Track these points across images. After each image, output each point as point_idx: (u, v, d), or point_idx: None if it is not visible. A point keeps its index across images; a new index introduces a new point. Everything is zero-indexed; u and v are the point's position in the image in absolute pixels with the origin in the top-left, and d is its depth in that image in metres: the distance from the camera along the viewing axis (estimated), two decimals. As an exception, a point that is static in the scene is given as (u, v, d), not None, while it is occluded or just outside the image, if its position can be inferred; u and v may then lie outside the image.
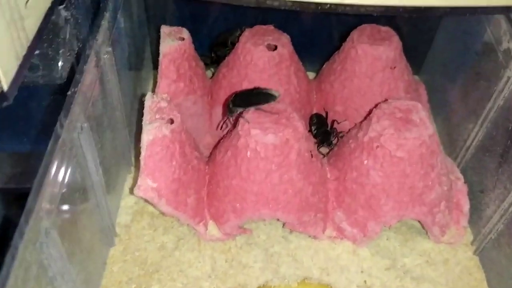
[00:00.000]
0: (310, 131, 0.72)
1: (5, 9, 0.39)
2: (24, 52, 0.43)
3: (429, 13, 0.51)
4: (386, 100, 0.63)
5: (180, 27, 0.68)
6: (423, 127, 0.58)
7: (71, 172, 0.46)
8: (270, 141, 0.56)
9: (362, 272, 0.62)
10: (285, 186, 0.58)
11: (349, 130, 0.68)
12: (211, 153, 0.68)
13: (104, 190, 0.56)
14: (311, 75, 0.84)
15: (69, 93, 0.46)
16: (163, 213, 0.61)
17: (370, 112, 0.63)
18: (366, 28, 0.70)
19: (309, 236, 0.64)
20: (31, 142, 0.72)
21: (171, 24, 0.79)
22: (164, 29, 0.68)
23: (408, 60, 0.72)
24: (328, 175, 0.65)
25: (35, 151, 0.73)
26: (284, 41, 0.68)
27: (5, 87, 0.40)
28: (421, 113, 0.59)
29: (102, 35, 0.53)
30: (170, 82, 0.66)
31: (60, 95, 0.57)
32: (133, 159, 0.70)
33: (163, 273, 0.60)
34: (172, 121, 0.57)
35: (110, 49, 0.55)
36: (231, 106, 0.61)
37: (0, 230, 0.70)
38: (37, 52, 0.50)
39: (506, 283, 0.58)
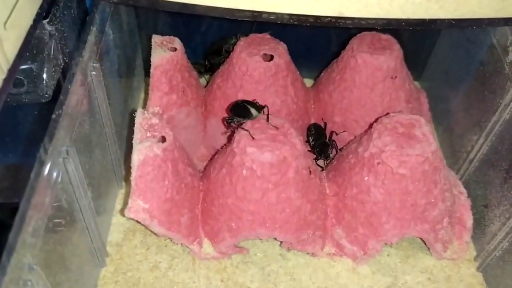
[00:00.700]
0: (307, 141, 0.69)
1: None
2: (4, 76, 0.40)
3: (433, 25, 0.49)
4: (387, 113, 0.61)
5: (172, 37, 0.66)
6: (426, 143, 0.56)
7: (57, 200, 0.44)
8: (267, 159, 0.54)
9: (362, 291, 0.60)
10: (283, 205, 0.56)
11: (349, 142, 0.66)
12: (205, 168, 0.65)
13: (93, 212, 0.53)
14: (308, 82, 0.81)
15: (53, 116, 0.43)
16: (155, 234, 0.59)
17: (371, 125, 0.61)
18: (366, 36, 0.67)
19: (308, 254, 0.62)
20: (18, 154, 0.70)
21: (163, 30, 0.76)
22: (156, 39, 0.65)
23: (408, 66, 0.69)
24: (327, 191, 0.63)
25: (22, 164, 0.71)
26: (280, 50, 0.66)
27: (-17, 115, 0.37)
28: (424, 128, 0.57)
29: (88, 51, 0.50)
30: (162, 95, 0.63)
31: (48, 105, 0.54)
32: (124, 173, 0.68)
33: (156, 294, 0.58)
34: (164, 139, 0.55)
35: (97, 65, 0.52)
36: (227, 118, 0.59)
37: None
38: (21, 67, 0.48)
39: (512, 303, 0.56)
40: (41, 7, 0.47)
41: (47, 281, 0.41)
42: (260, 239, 0.63)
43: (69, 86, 0.46)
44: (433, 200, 0.57)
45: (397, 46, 0.66)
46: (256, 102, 0.59)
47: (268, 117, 0.57)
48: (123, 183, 0.68)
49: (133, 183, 0.53)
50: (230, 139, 0.60)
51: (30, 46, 0.48)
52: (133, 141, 0.54)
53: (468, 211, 0.63)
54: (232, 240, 0.58)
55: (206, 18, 0.75)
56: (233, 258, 0.61)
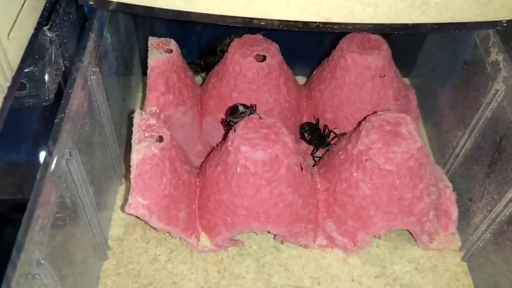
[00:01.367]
0: (303, 138, 0.72)
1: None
2: (8, 84, 0.43)
3: (417, 30, 0.51)
4: (376, 111, 0.63)
5: (168, 39, 0.68)
6: (412, 140, 0.58)
7: (61, 199, 0.46)
8: (260, 157, 0.57)
9: (352, 280, 0.63)
10: (275, 201, 0.59)
11: (339, 139, 0.69)
12: (201, 165, 0.68)
13: (95, 208, 0.56)
14: (301, 79, 0.84)
15: (56, 120, 0.46)
16: (155, 228, 0.61)
17: (359, 123, 0.63)
18: (356, 36, 0.69)
19: (300, 246, 0.65)
20: (20, 152, 0.72)
21: (160, 31, 0.79)
22: (152, 41, 0.67)
23: (398, 63, 0.72)
24: (319, 186, 0.65)
25: (24, 161, 0.73)
26: (273, 51, 0.68)
27: (-9, 122, 0.39)
28: (410, 126, 0.60)
29: (88, 56, 0.53)
30: (159, 95, 0.66)
31: (49, 105, 0.57)
32: (123, 169, 0.71)
33: (156, 286, 0.61)
34: (161, 139, 0.57)
35: (96, 69, 0.54)
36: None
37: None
38: (24, 72, 0.50)
39: (493, 290, 0.59)
40: (41, 15, 0.50)
41: (54, 274, 0.44)
42: (255, 232, 0.65)
43: (70, 91, 0.48)
44: (419, 194, 0.60)
45: (385, 46, 0.69)
46: (253, 105, 0.63)
47: (259, 116, 0.60)
48: (123, 179, 0.71)
49: (132, 181, 0.56)
50: (225, 137, 0.63)
51: (32, 52, 0.50)
52: (132, 141, 0.56)
53: (453, 204, 0.66)
54: (227, 234, 0.61)
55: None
56: (229, 251, 0.64)
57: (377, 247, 0.66)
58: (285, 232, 0.61)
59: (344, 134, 0.68)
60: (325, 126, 0.73)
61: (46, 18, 0.52)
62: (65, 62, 0.56)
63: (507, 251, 0.56)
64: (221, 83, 0.70)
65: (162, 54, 0.66)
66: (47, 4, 0.51)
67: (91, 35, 0.54)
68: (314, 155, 0.71)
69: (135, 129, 0.57)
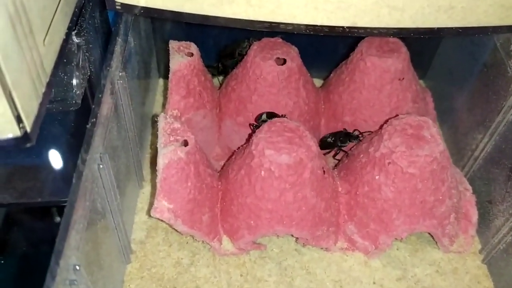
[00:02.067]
0: (325, 147, 0.72)
1: (25, 51, 0.39)
2: (43, 90, 0.43)
3: (441, 34, 0.52)
4: (396, 114, 0.64)
5: (188, 42, 0.68)
6: (435, 143, 0.59)
7: (93, 204, 0.47)
8: (284, 161, 0.57)
9: (374, 283, 0.63)
10: (299, 204, 0.59)
11: (359, 142, 0.69)
12: (222, 168, 0.68)
13: (121, 212, 0.56)
14: (317, 81, 0.84)
15: (88, 126, 0.46)
16: (177, 231, 0.62)
17: (381, 126, 0.64)
18: (375, 39, 0.70)
19: (322, 249, 0.65)
20: (40, 155, 0.72)
21: (176, 32, 0.79)
22: (173, 44, 0.68)
23: (414, 65, 0.72)
24: (340, 189, 0.66)
25: (46, 164, 0.73)
26: (292, 54, 0.69)
27: (28, 129, 0.40)
28: (432, 129, 0.60)
29: (115, 61, 0.53)
30: (180, 98, 0.66)
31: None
32: (144, 173, 0.71)
33: (179, 289, 0.61)
34: (186, 143, 0.58)
35: (123, 73, 0.55)
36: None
37: (14, 246, 0.71)
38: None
39: (515, 292, 0.59)
40: (71, 21, 0.50)
41: (88, 279, 0.44)
42: (276, 235, 0.66)
43: (101, 96, 0.49)
44: (440, 197, 0.60)
45: (404, 49, 0.69)
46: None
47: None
48: (144, 183, 0.71)
49: (158, 185, 0.56)
50: (248, 140, 0.63)
51: (61, 58, 0.51)
52: (158, 145, 0.57)
53: (473, 206, 0.66)
54: (250, 237, 0.62)
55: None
56: (251, 254, 0.65)
57: (397, 249, 0.67)
58: (307, 235, 0.61)
59: (370, 132, 0.68)
60: (344, 129, 0.73)
61: (75, 23, 0.52)
62: (91, 68, 0.56)
63: (531, 254, 0.56)
64: (240, 86, 0.70)
65: (183, 57, 0.66)
66: (76, 9, 0.51)
67: (117, 39, 0.54)
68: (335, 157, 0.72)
69: (160, 133, 0.58)
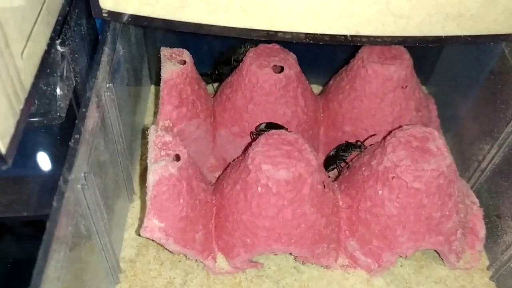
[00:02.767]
0: (329, 165, 0.69)
1: (0, 67, 0.36)
2: (21, 106, 0.39)
3: (450, 42, 0.48)
4: (399, 125, 0.61)
5: (181, 49, 0.65)
6: (441, 157, 0.56)
7: (76, 227, 0.43)
8: (283, 176, 0.54)
9: (377, 302, 0.60)
10: (298, 221, 0.56)
11: (360, 153, 0.66)
12: (217, 181, 0.65)
13: (108, 231, 0.53)
14: (316, 88, 0.81)
15: (71, 143, 0.43)
16: (170, 251, 0.58)
17: (384, 137, 0.61)
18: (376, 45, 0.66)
19: (322, 266, 0.62)
20: (29, 167, 0.69)
21: (169, 38, 0.75)
22: (165, 52, 0.64)
23: (415, 69, 0.68)
24: (340, 203, 0.63)
25: (33, 176, 0.70)
26: (290, 61, 0.65)
27: (3, 150, 0.36)
28: (438, 141, 0.57)
29: (102, 72, 0.50)
30: (173, 108, 0.63)
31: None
32: (134, 187, 0.67)
33: (171, 311, 0.58)
34: (178, 157, 0.54)
35: (110, 84, 0.51)
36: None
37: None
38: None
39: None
40: (54, 30, 0.47)
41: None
42: (274, 253, 0.62)
43: (85, 111, 0.45)
44: (447, 213, 0.57)
45: (407, 56, 0.66)
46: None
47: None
48: (134, 196, 0.68)
49: (148, 202, 0.53)
50: (243, 153, 0.60)
51: (44, 68, 0.47)
52: (148, 161, 0.53)
53: (480, 220, 0.63)
54: (246, 256, 0.58)
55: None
56: (247, 272, 0.61)
57: (401, 266, 0.63)
58: (307, 253, 0.58)
59: (374, 134, 0.65)
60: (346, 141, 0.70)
61: (58, 32, 0.48)
62: (76, 78, 0.52)
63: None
64: (236, 94, 0.67)
65: (175, 65, 0.63)
66: (59, 18, 0.47)
67: (104, 49, 0.51)
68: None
69: (150, 147, 0.54)
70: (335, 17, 0.46)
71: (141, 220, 0.53)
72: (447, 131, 0.76)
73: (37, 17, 0.42)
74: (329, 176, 0.68)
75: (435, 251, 0.63)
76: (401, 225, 0.57)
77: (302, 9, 0.46)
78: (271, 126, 0.63)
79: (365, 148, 0.65)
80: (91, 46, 0.58)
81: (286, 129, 0.61)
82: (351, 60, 0.69)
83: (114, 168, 0.58)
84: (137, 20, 0.51)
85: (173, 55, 0.64)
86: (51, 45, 0.46)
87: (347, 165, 0.66)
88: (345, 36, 0.48)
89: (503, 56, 0.61)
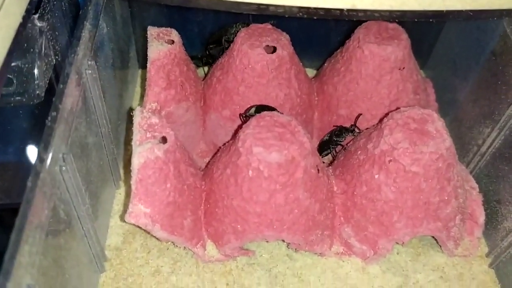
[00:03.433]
0: (323, 150, 0.66)
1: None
2: (-8, 81, 0.37)
3: (451, 17, 0.46)
4: (397, 107, 0.58)
5: (169, 29, 0.62)
6: (440, 139, 0.53)
7: (54, 212, 0.41)
8: (275, 159, 0.51)
9: (373, 291, 0.58)
10: (291, 206, 0.53)
11: (356, 137, 0.63)
12: (207, 166, 0.63)
13: (91, 217, 0.50)
14: (310, 72, 0.79)
15: (47, 122, 0.40)
16: (157, 238, 0.56)
17: (381, 120, 0.58)
18: (373, 25, 0.64)
19: (315, 254, 0.60)
20: (10, 153, 0.67)
21: (158, 19, 0.73)
22: (151, 31, 0.62)
23: (413, 53, 0.66)
24: (335, 188, 0.60)
25: (15, 162, 0.67)
26: (283, 42, 0.63)
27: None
28: (437, 123, 0.55)
29: (82, 48, 0.47)
30: (160, 90, 0.60)
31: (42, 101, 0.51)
32: (121, 172, 0.65)
33: (159, 300, 0.56)
34: (165, 140, 0.52)
35: (92, 62, 0.48)
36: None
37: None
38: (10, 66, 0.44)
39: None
40: (30, 2, 0.44)
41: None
42: (266, 240, 0.60)
43: (64, 88, 0.42)
44: (446, 198, 0.55)
45: (405, 36, 0.63)
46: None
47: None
48: (120, 182, 0.65)
49: (133, 187, 0.50)
50: (234, 136, 0.57)
51: (20, 44, 0.44)
52: (133, 143, 0.51)
53: (480, 206, 0.61)
54: (237, 243, 0.56)
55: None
56: (238, 260, 0.59)
57: (398, 254, 0.61)
58: (300, 240, 0.56)
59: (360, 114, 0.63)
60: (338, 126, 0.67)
61: (35, 5, 0.45)
62: (56, 55, 0.50)
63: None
64: (226, 76, 0.64)
65: (163, 45, 0.60)
66: (36, -11, 0.45)
67: (85, 24, 0.48)
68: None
69: (135, 129, 0.52)
70: (329, -11, 0.43)
71: (127, 206, 0.50)
72: (445, 115, 0.73)
73: (10, -14, 0.39)
74: (323, 162, 0.65)
75: (433, 237, 0.61)
76: (398, 210, 0.55)
77: (294, -21, 0.43)
78: (261, 108, 0.60)
79: (360, 132, 0.63)
80: (73, 23, 0.55)
81: (278, 111, 0.58)
82: (347, 41, 0.66)
83: (98, 151, 0.55)
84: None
85: (161, 34, 0.61)
86: (27, 18, 0.43)
87: (343, 148, 0.63)
88: (341, 10, 0.45)
89: (504, 35, 0.58)
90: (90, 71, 0.48)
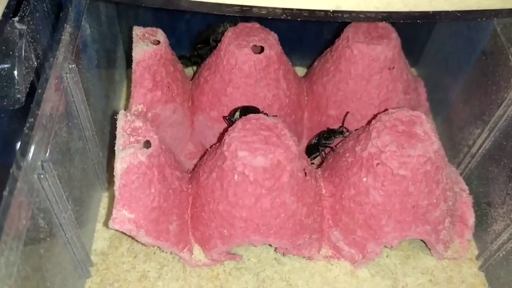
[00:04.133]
0: (312, 153, 0.65)
1: None
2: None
3: (438, 18, 0.45)
4: (385, 108, 0.57)
5: (154, 28, 0.61)
6: (429, 142, 0.52)
7: (33, 222, 0.40)
8: (260, 163, 0.50)
9: (361, 295, 0.57)
10: (277, 211, 0.53)
11: (344, 138, 0.63)
12: (193, 169, 0.62)
13: (74, 224, 0.50)
14: (300, 70, 0.78)
15: (25, 129, 0.39)
16: (143, 244, 0.55)
17: (369, 121, 0.57)
18: (362, 24, 0.63)
19: (304, 257, 0.59)
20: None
21: (145, 19, 0.72)
22: (137, 31, 0.60)
23: (404, 51, 0.65)
24: (323, 191, 0.59)
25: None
26: (271, 41, 0.62)
27: None
28: (426, 125, 0.54)
29: (63, 51, 0.46)
30: (146, 91, 0.59)
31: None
32: (107, 175, 0.64)
33: (145, 305, 0.55)
34: (148, 144, 0.51)
35: (73, 65, 0.47)
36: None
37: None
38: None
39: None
40: (7, 6, 0.43)
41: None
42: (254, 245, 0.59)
43: (42, 93, 0.42)
44: (434, 201, 0.54)
45: (394, 35, 0.62)
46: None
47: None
48: (107, 186, 0.64)
49: (116, 192, 0.49)
50: (220, 138, 0.56)
51: (-2, 48, 0.43)
52: (116, 148, 0.50)
53: (469, 208, 0.60)
54: (224, 247, 0.55)
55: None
56: (226, 265, 0.58)
57: (387, 257, 0.61)
58: (288, 245, 0.55)
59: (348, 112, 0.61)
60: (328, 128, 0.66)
61: (14, 7, 0.44)
62: (38, 58, 0.48)
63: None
64: (214, 77, 0.63)
65: (148, 46, 0.59)
66: (15, -9, 0.43)
67: (66, 26, 0.47)
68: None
69: (118, 133, 0.51)
70: (313, -9, 0.42)
71: (111, 211, 0.49)
72: (436, 115, 0.73)
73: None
74: (312, 163, 0.65)
75: (422, 240, 0.60)
76: (386, 214, 0.54)
77: (276, -19, 0.42)
78: (246, 110, 0.59)
79: (349, 133, 0.62)
80: (56, 25, 0.54)
81: (266, 114, 0.57)
82: (336, 40, 0.65)
83: (82, 155, 0.54)
84: (102, -4, 0.47)
85: (146, 34, 0.60)
86: (4, 21, 0.42)
87: (332, 150, 0.63)
88: (326, 11, 0.44)
89: (495, 34, 0.57)
90: (71, 75, 0.47)
